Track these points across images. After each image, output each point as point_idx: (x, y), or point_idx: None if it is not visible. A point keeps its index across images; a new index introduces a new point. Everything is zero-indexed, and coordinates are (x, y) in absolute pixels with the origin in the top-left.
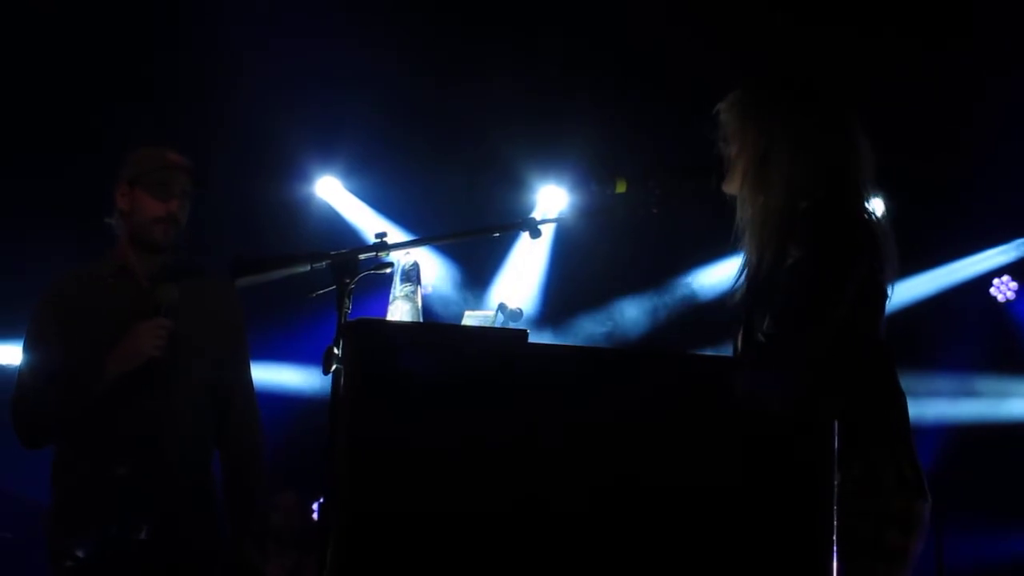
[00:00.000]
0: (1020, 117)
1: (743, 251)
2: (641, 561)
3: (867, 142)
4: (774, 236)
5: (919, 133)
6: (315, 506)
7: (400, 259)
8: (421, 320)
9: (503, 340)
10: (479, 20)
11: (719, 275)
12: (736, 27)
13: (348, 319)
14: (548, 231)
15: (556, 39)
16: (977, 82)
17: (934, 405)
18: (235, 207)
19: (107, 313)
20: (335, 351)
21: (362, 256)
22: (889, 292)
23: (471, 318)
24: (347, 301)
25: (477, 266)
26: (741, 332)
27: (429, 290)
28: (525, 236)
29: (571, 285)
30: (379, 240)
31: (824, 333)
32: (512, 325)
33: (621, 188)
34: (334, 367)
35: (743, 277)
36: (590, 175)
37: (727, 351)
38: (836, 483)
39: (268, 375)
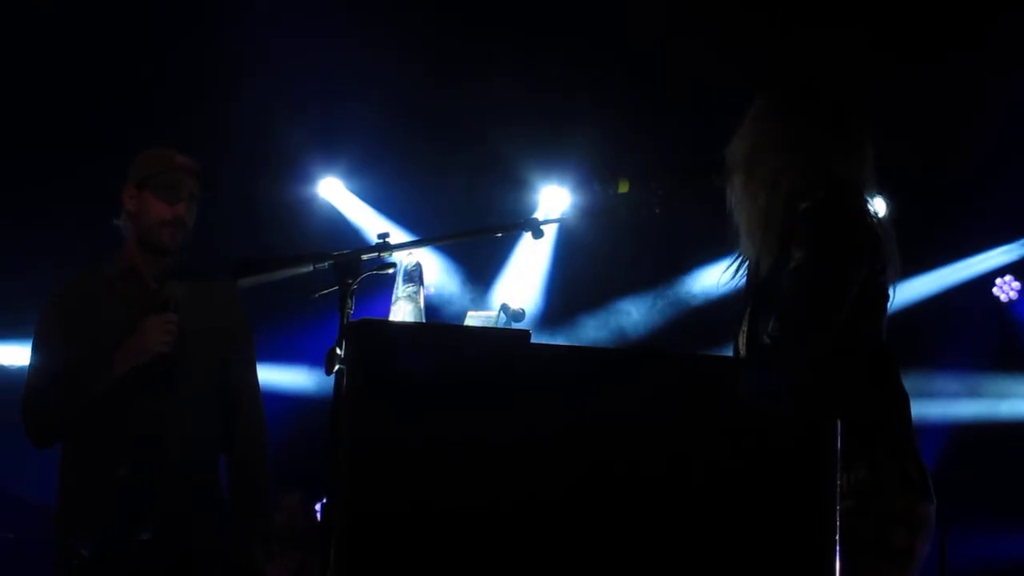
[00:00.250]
0: (1022, 117)
1: (740, 251)
2: (643, 561)
3: (869, 142)
4: (774, 237)
5: (921, 133)
6: (318, 506)
7: (402, 259)
8: (423, 320)
9: (505, 340)
10: (480, 20)
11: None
12: (737, 28)
13: (351, 320)
14: (551, 231)
15: (557, 39)
16: (978, 82)
17: (937, 405)
18: (238, 208)
19: (114, 315)
20: (338, 351)
21: (365, 257)
22: (891, 293)
23: (473, 318)
24: (350, 302)
25: (479, 266)
26: (744, 333)
27: (431, 290)
28: (527, 236)
29: (573, 285)
30: (381, 241)
31: (826, 335)
32: (515, 325)
33: (623, 188)
34: (337, 367)
35: (741, 276)
36: (592, 175)
37: (727, 351)
38: (840, 484)
39: (270, 375)
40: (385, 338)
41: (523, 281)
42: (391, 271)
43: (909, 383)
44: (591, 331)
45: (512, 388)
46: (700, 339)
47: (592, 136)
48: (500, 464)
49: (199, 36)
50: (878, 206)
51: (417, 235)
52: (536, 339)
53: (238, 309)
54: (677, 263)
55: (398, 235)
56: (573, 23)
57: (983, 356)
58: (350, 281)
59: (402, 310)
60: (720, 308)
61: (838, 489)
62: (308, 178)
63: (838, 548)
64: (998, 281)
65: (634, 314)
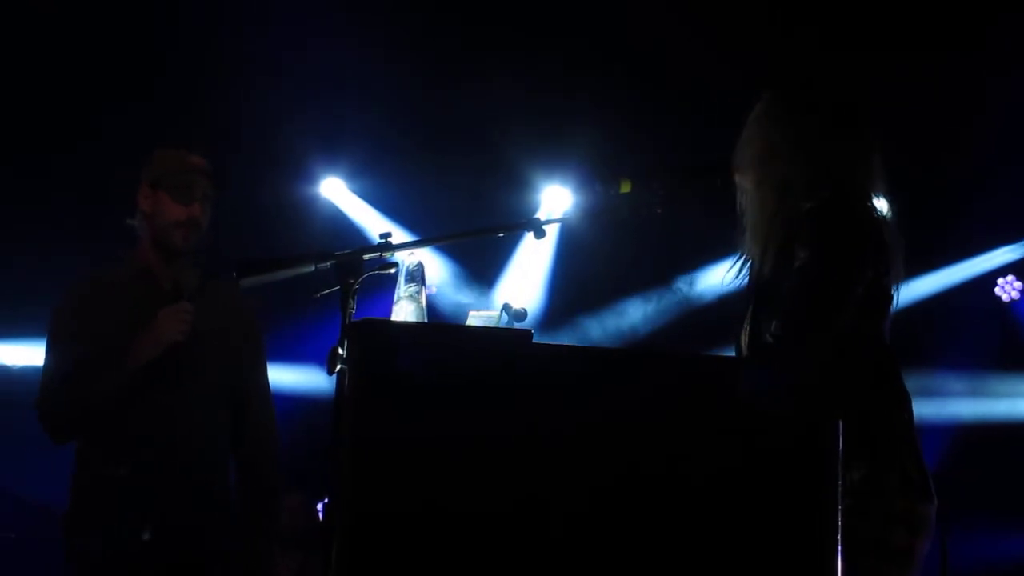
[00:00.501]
0: (1022, 116)
1: (744, 250)
2: (644, 561)
3: (875, 142)
4: (778, 237)
5: (923, 133)
6: (320, 506)
7: (404, 259)
8: (425, 320)
9: (507, 340)
10: (482, 21)
11: (721, 276)
12: (737, 28)
13: (352, 319)
14: (552, 231)
15: (558, 39)
16: (979, 82)
17: (938, 405)
18: (240, 208)
19: (128, 315)
20: (339, 351)
21: (366, 256)
22: (895, 294)
23: (475, 318)
24: (351, 301)
25: (481, 266)
26: (747, 333)
27: (433, 290)
28: (529, 236)
29: (575, 285)
30: (383, 240)
31: (829, 336)
32: (516, 325)
33: (625, 188)
34: (338, 367)
35: (744, 275)
36: (594, 175)
37: (728, 351)
38: (841, 484)
39: (272, 375)
40: (387, 338)
41: (525, 281)
42: (393, 271)
43: (910, 383)
44: (593, 331)
45: (514, 388)
46: (701, 339)
47: (593, 136)
48: (502, 464)
49: (202, 36)
50: (884, 207)
51: (419, 235)
52: (538, 339)
53: (250, 311)
54: (679, 263)
55: (400, 235)
56: (574, 23)
57: (984, 356)
58: (352, 281)
59: (404, 310)
60: (721, 308)
61: (840, 491)
62: (310, 178)
63: (839, 548)
64: (1000, 281)
65: (635, 314)
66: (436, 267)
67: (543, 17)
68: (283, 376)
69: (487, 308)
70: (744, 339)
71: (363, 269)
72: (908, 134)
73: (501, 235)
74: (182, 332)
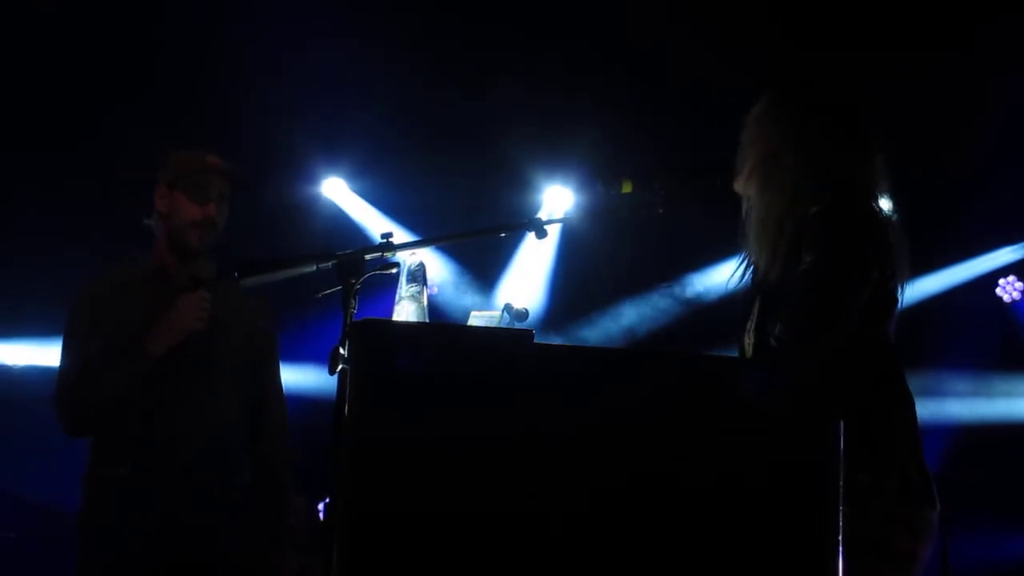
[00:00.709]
0: (1022, 117)
1: (748, 252)
2: (645, 561)
3: (877, 143)
4: (783, 239)
5: (923, 133)
6: (320, 507)
7: (406, 259)
8: (427, 320)
9: (509, 340)
10: (483, 21)
11: (721, 276)
12: (737, 28)
13: (354, 319)
14: (554, 231)
15: (559, 40)
16: (980, 83)
17: (940, 405)
18: (242, 208)
19: (143, 312)
20: (341, 351)
21: (368, 256)
22: (900, 296)
23: (477, 318)
24: (353, 301)
25: (483, 266)
26: (751, 336)
27: (435, 290)
28: (531, 236)
29: (577, 285)
30: (385, 240)
31: (833, 338)
32: (518, 325)
33: (627, 188)
34: (340, 367)
35: (747, 277)
36: (595, 175)
37: (728, 351)
38: (844, 485)
39: None
40: (388, 338)
41: (526, 281)
42: (394, 271)
43: (910, 383)
44: (593, 331)
45: (515, 388)
46: (701, 339)
47: (595, 136)
48: (503, 464)
49: (204, 36)
50: (888, 207)
51: (420, 235)
52: (539, 339)
53: (265, 309)
54: (679, 263)
55: (401, 235)
56: (574, 23)
57: (986, 356)
58: (353, 281)
59: (405, 310)
60: (722, 308)
61: (841, 491)
62: (312, 178)
63: (840, 549)
64: (1001, 281)
65: (636, 314)
66: (437, 267)
67: (544, 17)
68: (284, 376)
69: (488, 308)
70: (747, 341)
71: (364, 269)
72: (908, 134)
73: (502, 235)
74: (201, 320)
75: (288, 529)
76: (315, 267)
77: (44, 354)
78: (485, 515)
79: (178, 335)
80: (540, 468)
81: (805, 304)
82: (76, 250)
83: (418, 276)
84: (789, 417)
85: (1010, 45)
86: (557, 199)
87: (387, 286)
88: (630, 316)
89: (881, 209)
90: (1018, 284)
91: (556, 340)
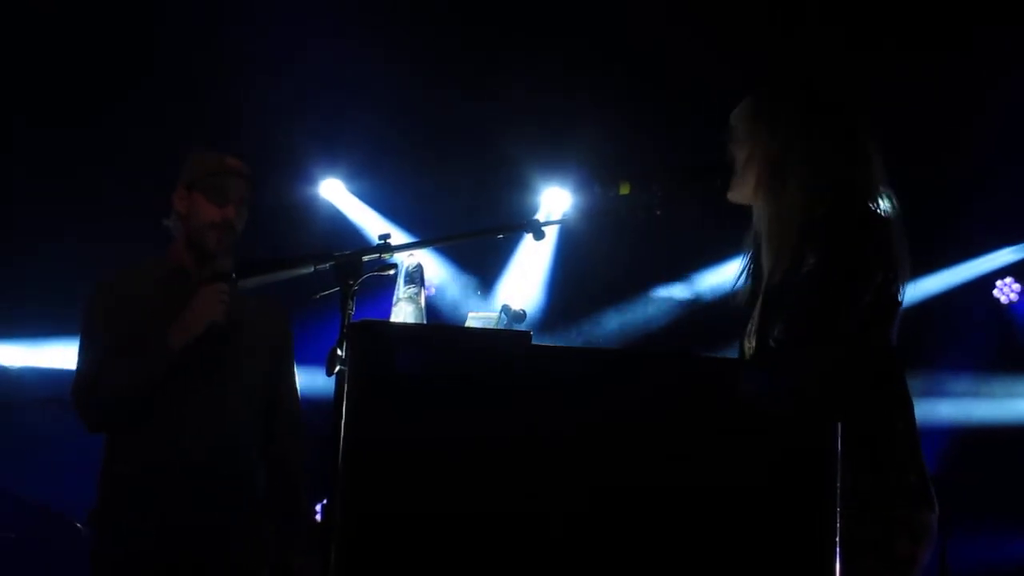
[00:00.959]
0: (1017, 120)
1: (758, 257)
2: (642, 562)
3: (878, 144)
4: (789, 243)
5: (921, 134)
6: (318, 507)
7: (404, 260)
8: (425, 322)
9: (507, 342)
10: (481, 22)
11: (720, 277)
12: (738, 29)
13: (352, 321)
14: (552, 233)
15: (558, 40)
16: (977, 84)
17: (937, 407)
18: None
19: (161, 310)
20: (339, 353)
21: (366, 258)
22: (901, 299)
23: (475, 320)
24: (351, 303)
25: (481, 268)
26: (753, 336)
27: (433, 291)
28: (529, 238)
29: (575, 287)
30: (383, 242)
31: (835, 340)
32: (516, 326)
33: (625, 190)
34: (338, 368)
35: (747, 279)
36: (593, 177)
37: (728, 353)
38: (843, 487)
39: None
40: (386, 339)
41: (524, 282)
42: (392, 272)
43: (910, 384)
44: (593, 331)
45: (513, 389)
46: (701, 339)
47: (593, 138)
48: (501, 465)
49: (201, 36)
50: (890, 209)
51: (418, 236)
52: (537, 340)
53: (282, 310)
54: (678, 264)
55: (399, 236)
56: (573, 24)
57: (984, 358)
58: (351, 282)
59: (403, 311)
60: (722, 309)
61: (838, 492)
62: (310, 179)
63: (838, 551)
64: (998, 283)
65: (633, 315)
66: (435, 268)
67: (542, 17)
68: None
69: (486, 309)
70: (748, 343)
71: (362, 270)
72: (908, 135)
73: (500, 236)
74: (221, 312)
75: (304, 528)
76: (313, 268)
77: (41, 355)
78: (483, 516)
79: (200, 327)
80: (538, 469)
81: (808, 306)
82: (73, 251)
83: (416, 277)
84: (789, 418)
85: (1010, 45)
86: (555, 200)
87: (385, 287)
88: (627, 317)
89: (882, 210)
90: (1015, 285)
91: (554, 341)
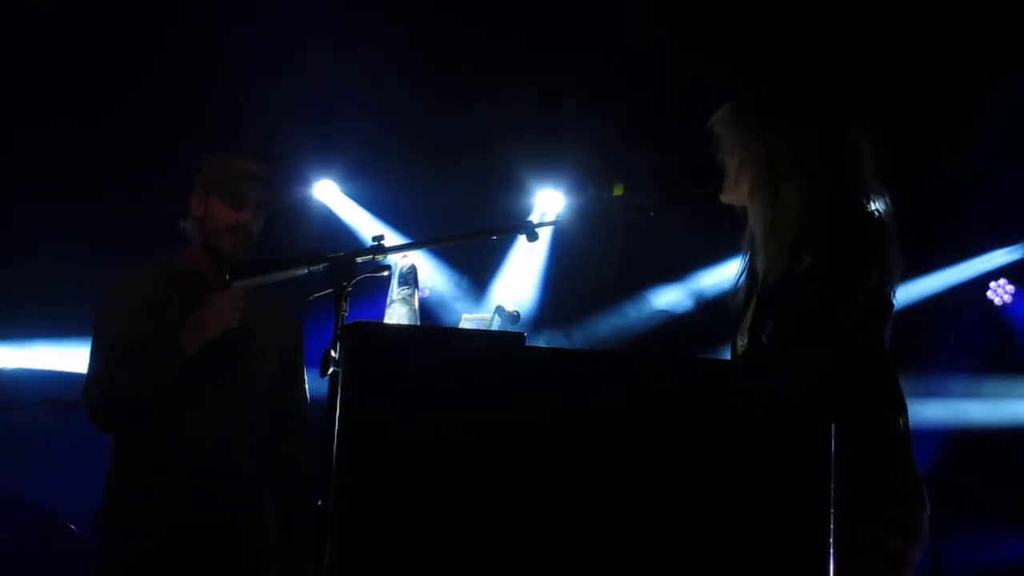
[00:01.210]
0: (1017, 120)
1: (754, 258)
2: (639, 562)
3: (871, 145)
4: (786, 244)
5: (918, 135)
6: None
7: (397, 262)
8: (418, 323)
9: (500, 343)
10: (475, 23)
11: (717, 278)
12: (732, 31)
13: (345, 322)
14: (545, 234)
15: (553, 42)
16: (976, 84)
17: (931, 408)
18: None
19: (175, 310)
20: (332, 354)
21: (359, 259)
22: (894, 300)
23: (468, 321)
24: (344, 304)
25: (475, 269)
26: (746, 335)
27: (426, 293)
28: (522, 239)
29: (569, 288)
30: (376, 243)
31: (830, 339)
32: (510, 328)
33: (618, 191)
34: (331, 370)
35: (743, 280)
36: (587, 179)
37: (722, 353)
38: (838, 488)
39: None
40: (380, 341)
41: (518, 284)
42: (386, 273)
43: (903, 386)
44: (588, 332)
45: (506, 391)
46: (699, 340)
47: (587, 139)
48: (496, 466)
49: (195, 37)
50: (884, 210)
51: (412, 238)
52: (531, 342)
53: (296, 326)
54: (673, 265)
55: (393, 238)
56: (568, 26)
57: (977, 359)
58: (345, 284)
59: (397, 313)
60: (719, 309)
61: (832, 492)
62: (303, 181)
63: (832, 551)
64: (992, 284)
65: (629, 315)
66: (429, 270)
67: (536, 19)
68: None
69: (480, 311)
70: (740, 341)
71: (356, 272)
72: (904, 135)
73: (494, 238)
74: (234, 318)
75: (308, 533)
76: (306, 270)
77: (35, 357)
78: (478, 518)
79: (212, 332)
80: (532, 470)
81: (803, 305)
82: (68, 252)
83: (409, 279)
84: (783, 418)
85: (1010, 45)
86: (549, 202)
87: (379, 289)
88: (623, 317)
89: (877, 211)
90: (1009, 287)
91: (548, 343)
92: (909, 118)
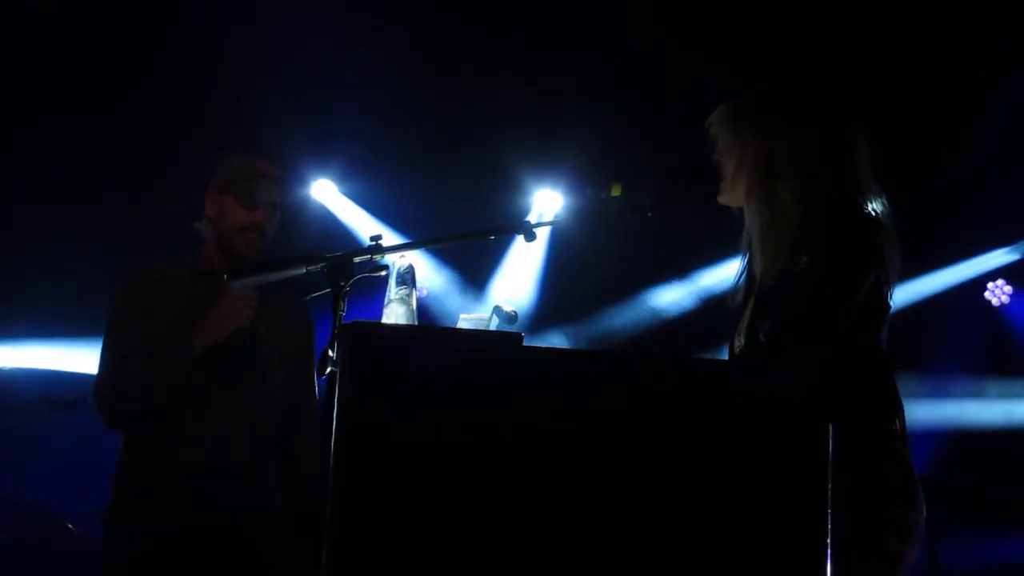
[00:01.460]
0: (1015, 121)
1: (751, 258)
2: (638, 562)
3: (868, 148)
4: (784, 245)
5: (917, 135)
6: None
7: (395, 262)
8: (416, 323)
9: (498, 343)
10: (475, 22)
11: (715, 278)
12: (733, 33)
13: (343, 322)
14: (543, 234)
15: (551, 43)
16: (976, 84)
17: (928, 408)
18: None
19: (188, 309)
20: (330, 354)
21: (357, 259)
22: (891, 301)
23: (466, 321)
24: (342, 304)
25: (472, 269)
26: (743, 335)
27: (424, 293)
28: (520, 239)
29: (567, 288)
30: (374, 243)
31: (826, 339)
32: (507, 328)
33: (616, 191)
34: (329, 370)
35: (743, 280)
36: (585, 179)
37: (719, 353)
38: (836, 488)
39: None
40: (377, 341)
41: (516, 283)
42: (383, 273)
43: (900, 386)
44: (586, 332)
45: (504, 391)
46: (697, 340)
47: (586, 139)
48: (492, 467)
49: (194, 37)
50: (882, 211)
51: (410, 237)
52: (529, 342)
53: (308, 329)
54: (671, 265)
55: (391, 237)
56: (568, 26)
57: (975, 360)
58: (342, 283)
59: (394, 312)
60: (716, 309)
61: (830, 492)
62: (301, 180)
63: (829, 550)
64: (990, 285)
65: (626, 315)
66: (427, 270)
67: (535, 20)
68: None
69: (478, 311)
70: (738, 341)
71: (354, 271)
72: (902, 136)
73: (492, 238)
74: (246, 317)
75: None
76: (304, 270)
77: (32, 356)
78: (475, 518)
79: (224, 331)
80: (530, 471)
81: (801, 305)
82: (67, 251)
83: (407, 279)
84: (781, 418)
85: (1010, 46)
86: (547, 202)
87: (376, 289)
88: (620, 318)
89: (874, 211)
90: (1007, 288)
91: (545, 343)
92: (909, 118)
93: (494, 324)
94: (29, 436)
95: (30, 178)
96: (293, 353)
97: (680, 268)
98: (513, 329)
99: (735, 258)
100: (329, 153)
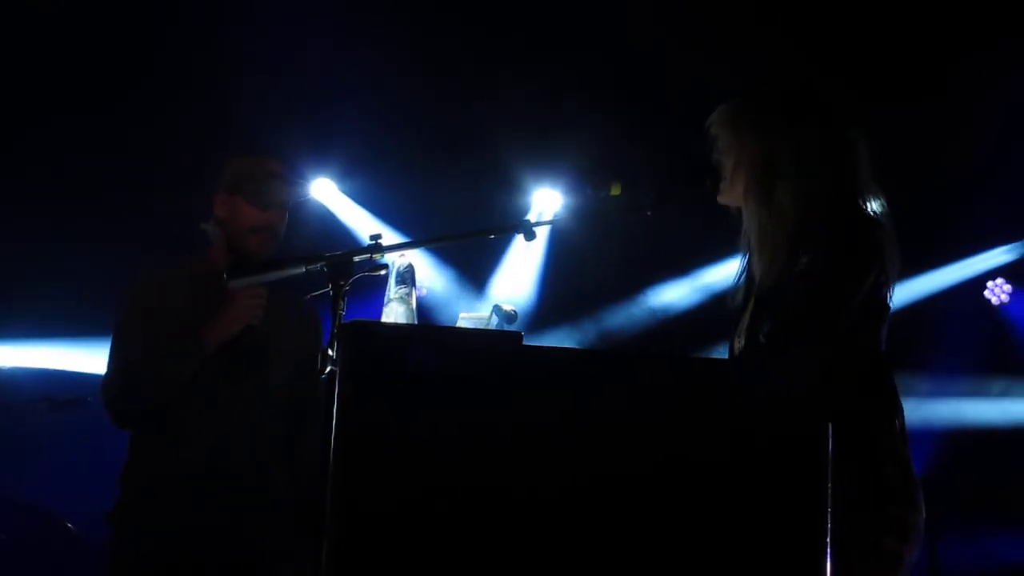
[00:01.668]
0: (1015, 121)
1: (751, 258)
2: (638, 561)
3: (867, 148)
4: (783, 246)
5: (918, 135)
6: None
7: (395, 261)
8: (416, 322)
9: (498, 342)
10: (475, 22)
11: (713, 278)
12: (733, 33)
13: (343, 321)
14: (543, 233)
15: (551, 42)
16: (976, 84)
17: (928, 408)
18: None
19: (198, 309)
20: (330, 353)
21: (357, 258)
22: (890, 301)
23: (466, 320)
24: (342, 303)
25: (472, 268)
26: (743, 336)
27: (424, 292)
28: (520, 238)
29: (566, 287)
30: (374, 242)
31: (826, 340)
32: (507, 327)
33: (616, 191)
34: (328, 369)
35: (743, 280)
36: (585, 178)
37: (722, 354)
38: (835, 488)
39: None
40: (377, 340)
41: (516, 283)
42: (383, 272)
43: (900, 386)
44: (584, 332)
45: (504, 390)
46: (695, 340)
47: (586, 139)
48: (491, 466)
49: (193, 37)
50: (881, 211)
51: (409, 237)
52: (528, 341)
53: (316, 330)
54: (670, 265)
55: (391, 236)
56: (568, 26)
57: (974, 358)
58: (342, 283)
59: (394, 312)
60: (715, 309)
61: (830, 492)
62: (300, 179)
63: (829, 550)
64: (989, 284)
65: (625, 315)
66: (426, 269)
67: (535, 19)
68: None
69: (477, 310)
70: (738, 342)
71: (353, 271)
72: (901, 136)
73: (492, 237)
74: (254, 316)
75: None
76: (304, 269)
77: (31, 355)
78: (474, 518)
79: (233, 329)
80: (531, 469)
81: (800, 305)
82: (68, 251)
83: (407, 278)
84: (781, 419)
85: (1010, 46)
86: (546, 201)
87: (376, 288)
88: (620, 317)
89: (874, 211)
90: (1006, 287)
91: (545, 342)
92: (909, 118)
93: (494, 323)
94: (29, 436)
95: (30, 178)
96: (300, 352)
97: (680, 268)
98: (513, 328)
99: (735, 258)
100: (329, 152)
